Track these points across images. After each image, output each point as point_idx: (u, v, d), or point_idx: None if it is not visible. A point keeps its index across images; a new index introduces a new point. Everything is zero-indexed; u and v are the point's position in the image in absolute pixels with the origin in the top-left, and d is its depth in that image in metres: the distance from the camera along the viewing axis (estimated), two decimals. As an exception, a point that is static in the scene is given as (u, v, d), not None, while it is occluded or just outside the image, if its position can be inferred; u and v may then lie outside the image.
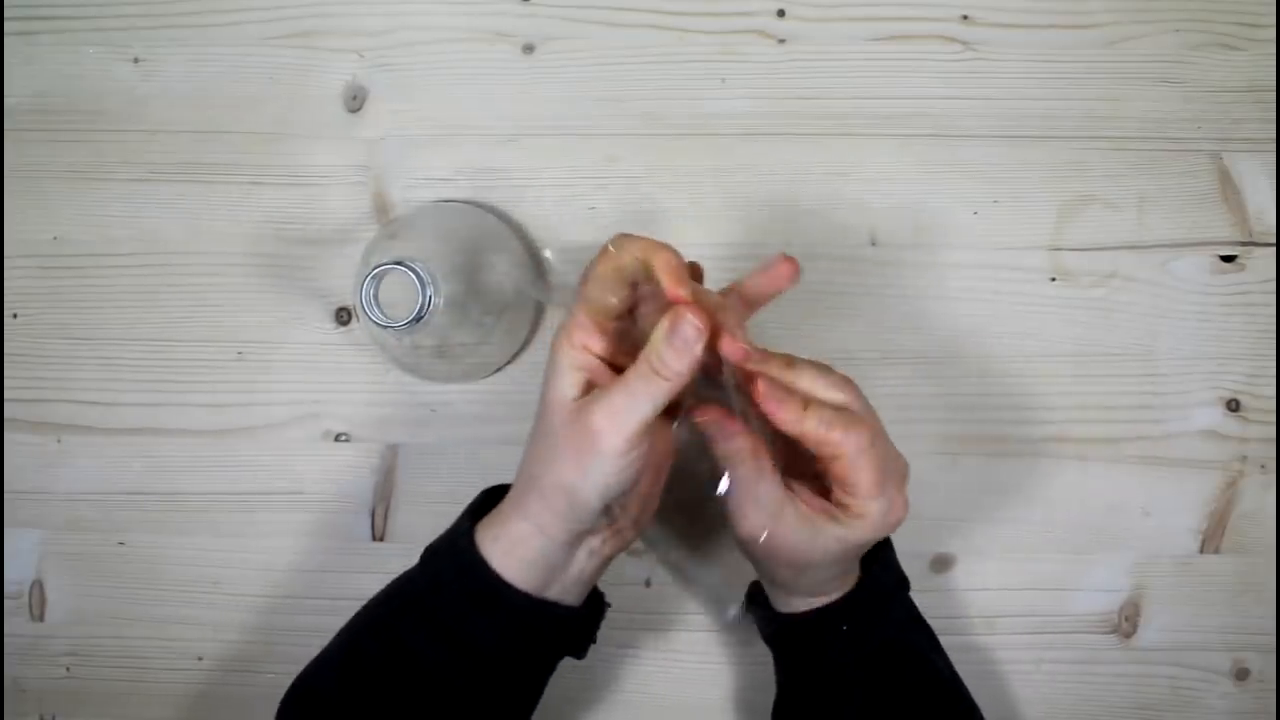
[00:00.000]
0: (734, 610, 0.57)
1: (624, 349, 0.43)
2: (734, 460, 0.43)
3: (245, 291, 0.59)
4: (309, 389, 0.59)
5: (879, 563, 0.48)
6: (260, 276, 0.59)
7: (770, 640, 0.50)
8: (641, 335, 0.43)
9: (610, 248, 0.42)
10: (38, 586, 0.60)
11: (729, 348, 0.41)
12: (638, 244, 0.42)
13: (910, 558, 0.58)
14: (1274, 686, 0.58)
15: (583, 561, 0.44)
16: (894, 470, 0.43)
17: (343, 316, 0.59)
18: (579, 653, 0.48)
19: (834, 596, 0.46)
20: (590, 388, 0.42)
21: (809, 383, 0.43)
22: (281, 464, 0.59)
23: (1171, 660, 0.59)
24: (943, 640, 0.58)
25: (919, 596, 0.58)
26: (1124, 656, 0.59)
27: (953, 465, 0.58)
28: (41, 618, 0.60)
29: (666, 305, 0.41)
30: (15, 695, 0.60)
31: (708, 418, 0.44)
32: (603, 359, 0.42)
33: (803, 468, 0.44)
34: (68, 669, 0.60)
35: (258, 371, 0.59)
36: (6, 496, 0.59)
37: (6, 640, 0.60)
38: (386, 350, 0.55)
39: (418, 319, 0.46)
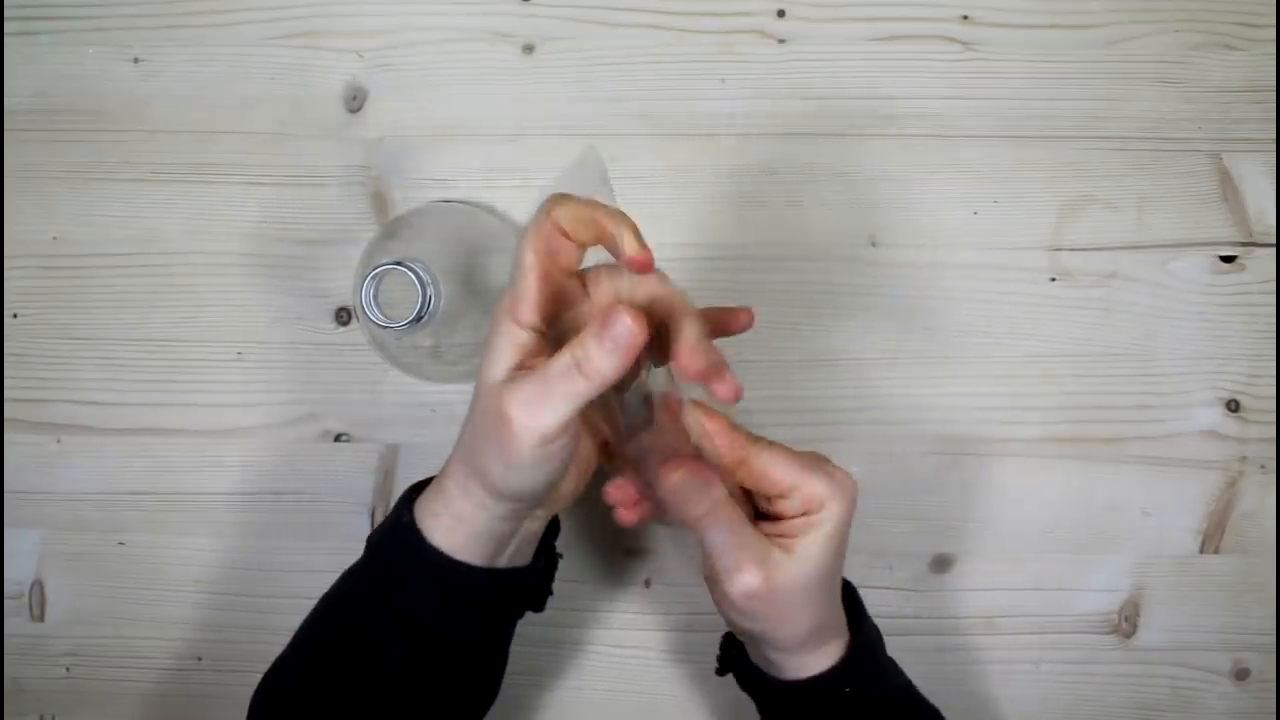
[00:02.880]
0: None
1: (570, 326, 0.41)
2: (712, 517, 0.41)
3: (245, 291, 0.59)
4: (309, 389, 0.59)
5: (859, 617, 0.47)
6: (260, 276, 0.59)
7: (758, 699, 0.49)
8: (570, 320, 0.41)
9: (549, 206, 0.39)
10: (38, 586, 0.60)
11: (688, 361, 0.40)
12: (583, 205, 0.38)
13: (910, 558, 0.58)
14: (1274, 686, 0.58)
15: (527, 526, 0.44)
16: (807, 455, 0.44)
17: (343, 316, 0.59)
18: (538, 607, 0.48)
19: (830, 657, 0.45)
20: (520, 368, 0.39)
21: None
22: (281, 464, 0.59)
23: (1171, 660, 0.59)
24: (942, 640, 0.59)
25: (919, 597, 0.58)
26: (1124, 656, 0.59)
27: (953, 465, 0.58)
28: (41, 618, 0.60)
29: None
30: (15, 695, 0.60)
31: (681, 476, 0.41)
32: (545, 335, 0.40)
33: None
34: (68, 669, 0.60)
35: (258, 371, 0.59)
36: (6, 496, 0.59)
37: (6, 640, 0.60)
38: (386, 350, 0.55)
39: (418, 319, 0.46)
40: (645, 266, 0.38)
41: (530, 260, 0.39)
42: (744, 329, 0.45)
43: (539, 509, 0.44)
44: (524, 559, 0.45)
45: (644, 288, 0.40)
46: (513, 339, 0.39)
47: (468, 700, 0.47)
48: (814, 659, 0.45)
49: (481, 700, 0.48)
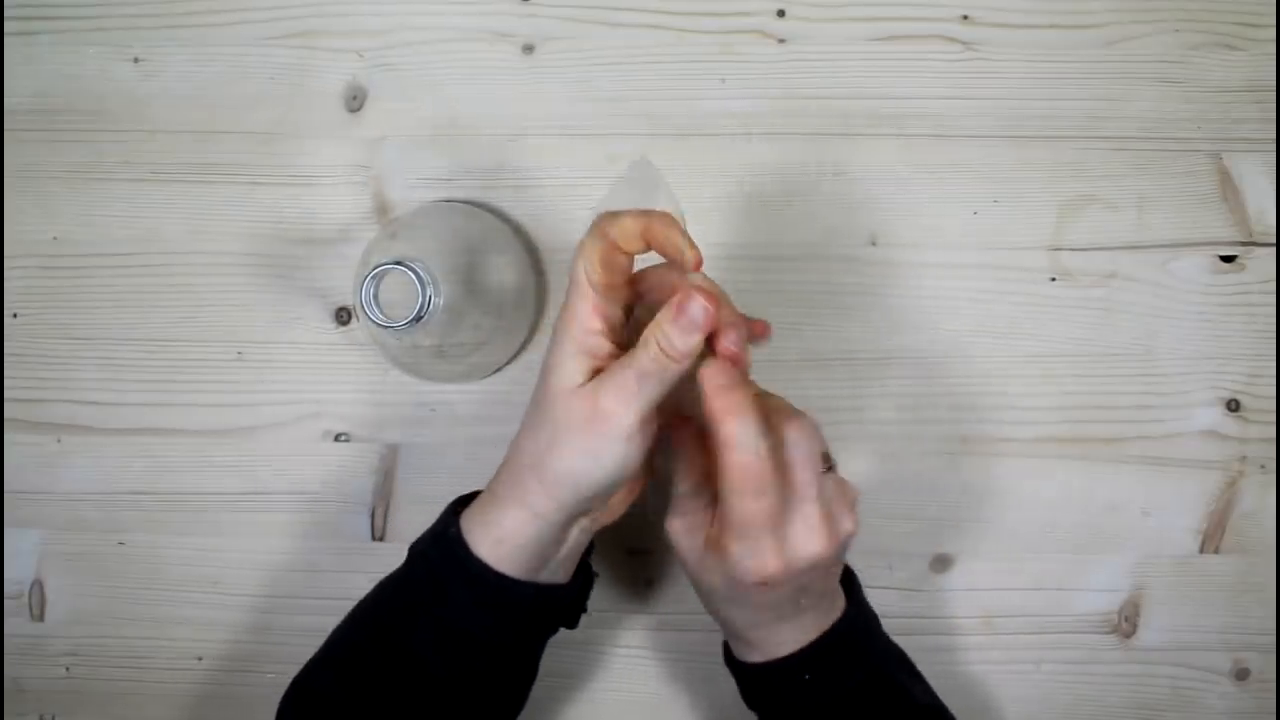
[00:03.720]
0: None
1: (627, 330, 0.43)
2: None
3: (245, 291, 0.59)
4: (309, 389, 0.59)
5: (851, 603, 0.46)
6: (260, 276, 0.59)
7: (735, 678, 0.49)
8: (642, 314, 0.43)
9: (603, 223, 0.41)
10: (38, 586, 0.60)
11: (726, 346, 0.41)
12: (636, 217, 0.41)
13: (910, 558, 0.58)
14: (1274, 686, 0.58)
15: (574, 539, 0.44)
16: (778, 524, 0.41)
17: (343, 316, 0.59)
18: (572, 624, 0.48)
19: (800, 640, 0.45)
20: (595, 373, 0.41)
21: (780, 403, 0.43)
22: (281, 464, 0.59)
23: (1171, 660, 0.59)
24: (942, 640, 0.59)
25: (919, 596, 0.58)
26: (1124, 656, 0.59)
27: (953, 465, 0.58)
28: (41, 618, 0.60)
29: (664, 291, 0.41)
30: (15, 695, 0.60)
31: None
32: (608, 340, 0.42)
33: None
34: (68, 669, 0.60)
35: (258, 371, 0.59)
36: (6, 496, 0.59)
37: (6, 640, 0.60)
38: (386, 350, 0.55)
39: (418, 319, 0.46)
40: (698, 265, 0.41)
41: (591, 269, 0.41)
42: (757, 341, 0.46)
43: (587, 519, 0.44)
44: (563, 576, 0.46)
45: (696, 280, 0.43)
46: (581, 345, 0.41)
47: (497, 711, 0.47)
48: (786, 641, 0.45)
49: (509, 712, 0.48)
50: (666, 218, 0.41)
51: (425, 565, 0.45)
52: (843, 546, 0.43)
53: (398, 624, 0.45)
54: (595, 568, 0.59)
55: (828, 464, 0.43)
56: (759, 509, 0.40)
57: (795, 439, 0.41)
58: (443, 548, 0.44)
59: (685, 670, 0.59)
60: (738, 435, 0.39)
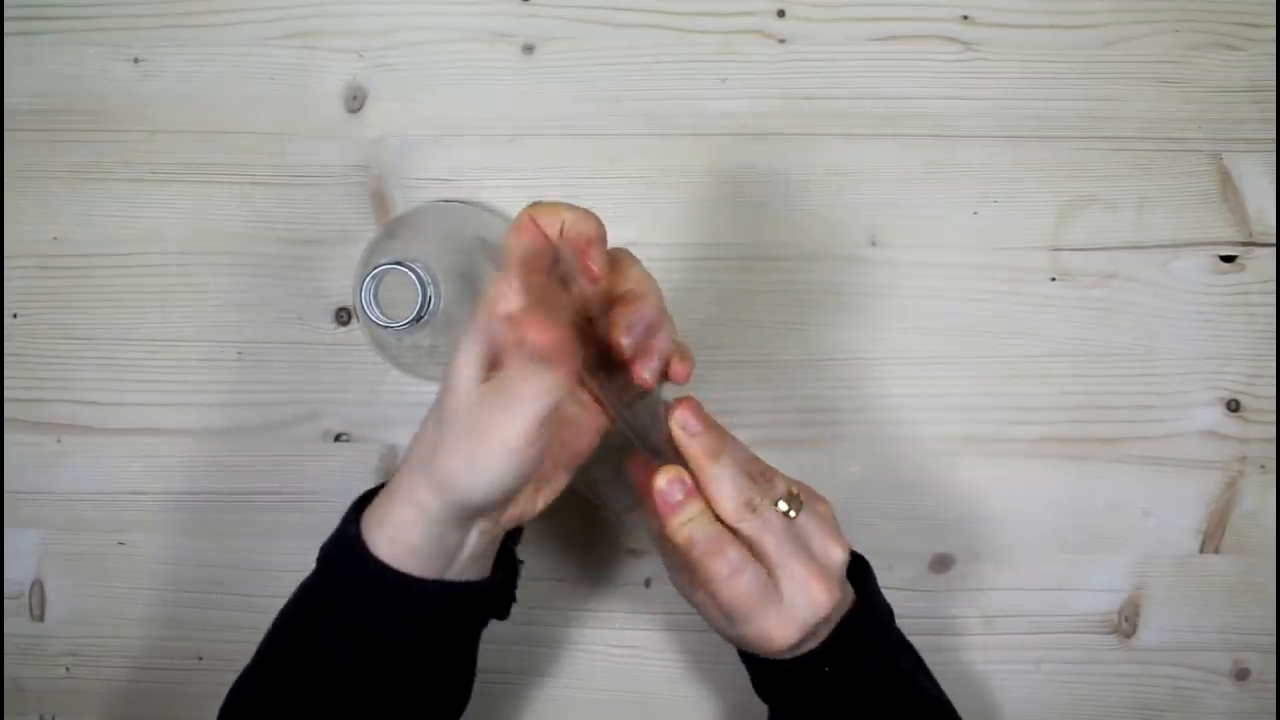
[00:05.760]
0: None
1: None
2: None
3: (245, 291, 0.59)
4: (309, 389, 0.59)
5: (863, 594, 0.46)
6: (260, 276, 0.59)
7: (750, 670, 0.48)
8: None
9: (530, 217, 0.40)
10: (38, 586, 0.60)
11: (681, 413, 0.41)
12: (561, 211, 0.39)
13: (910, 558, 0.58)
14: (1274, 686, 0.58)
15: (475, 541, 0.42)
16: (769, 593, 0.41)
17: (343, 316, 0.59)
18: (502, 615, 0.47)
19: (818, 639, 0.44)
20: (495, 365, 0.39)
21: (720, 483, 0.42)
22: (281, 464, 0.59)
23: (1171, 660, 0.59)
24: (942, 640, 0.59)
25: (919, 596, 0.58)
26: (1124, 656, 0.59)
27: (953, 465, 0.58)
28: (41, 618, 0.60)
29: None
30: (15, 695, 0.60)
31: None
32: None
33: None
34: (68, 669, 0.60)
35: (258, 371, 0.59)
36: (6, 496, 0.59)
37: (6, 640, 0.60)
38: (386, 350, 0.55)
39: (418, 319, 0.46)
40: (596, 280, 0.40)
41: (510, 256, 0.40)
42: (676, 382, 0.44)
43: (487, 521, 0.42)
44: (479, 572, 0.44)
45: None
46: (487, 333, 0.39)
47: (433, 710, 0.46)
48: (807, 643, 0.45)
49: (449, 710, 0.47)
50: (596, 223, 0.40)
51: (329, 567, 0.44)
52: (842, 576, 0.43)
53: (310, 628, 0.44)
54: (592, 567, 0.59)
55: (793, 505, 0.43)
56: (745, 587, 0.41)
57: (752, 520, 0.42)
58: (343, 548, 0.43)
59: (684, 670, 0.59)
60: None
